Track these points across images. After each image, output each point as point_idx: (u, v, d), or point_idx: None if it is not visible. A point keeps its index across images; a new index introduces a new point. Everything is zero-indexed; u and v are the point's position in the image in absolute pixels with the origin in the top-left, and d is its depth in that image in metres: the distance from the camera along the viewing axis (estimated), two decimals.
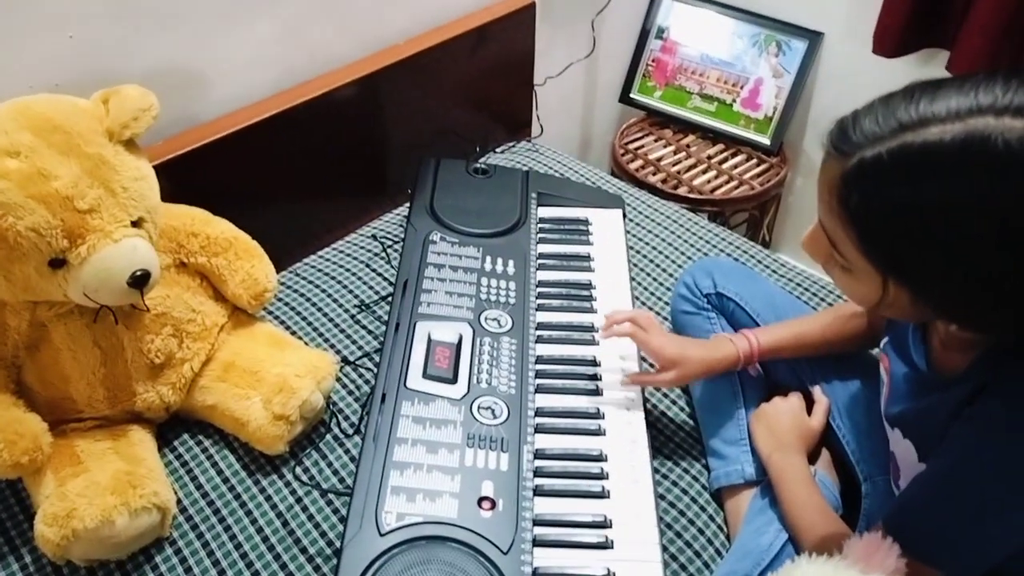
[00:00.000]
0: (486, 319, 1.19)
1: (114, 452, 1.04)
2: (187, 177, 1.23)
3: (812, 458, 1.09)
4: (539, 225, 1.40)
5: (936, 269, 0.69)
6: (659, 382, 1.13)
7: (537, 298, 1.26)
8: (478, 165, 1.47)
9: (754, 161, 1.96)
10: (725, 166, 1.95)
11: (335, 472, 1.12)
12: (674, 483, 1.13)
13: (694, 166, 1.95)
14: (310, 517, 1.07)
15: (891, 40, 1.65)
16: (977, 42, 1.48)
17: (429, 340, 1.15)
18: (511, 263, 1.30)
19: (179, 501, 1.07)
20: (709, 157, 1.97)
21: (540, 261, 1.33)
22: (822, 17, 1.86)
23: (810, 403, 1.13)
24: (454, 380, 1.10)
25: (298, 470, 1.11)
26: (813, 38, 1.88)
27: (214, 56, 1.28)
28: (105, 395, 1.06)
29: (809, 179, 2.05)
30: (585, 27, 1.85)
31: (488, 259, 1.29)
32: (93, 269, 0.95)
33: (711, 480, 1.13)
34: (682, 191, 1.87)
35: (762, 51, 1.94)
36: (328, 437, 1.16)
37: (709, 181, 1.91)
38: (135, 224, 1.00)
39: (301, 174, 1.45)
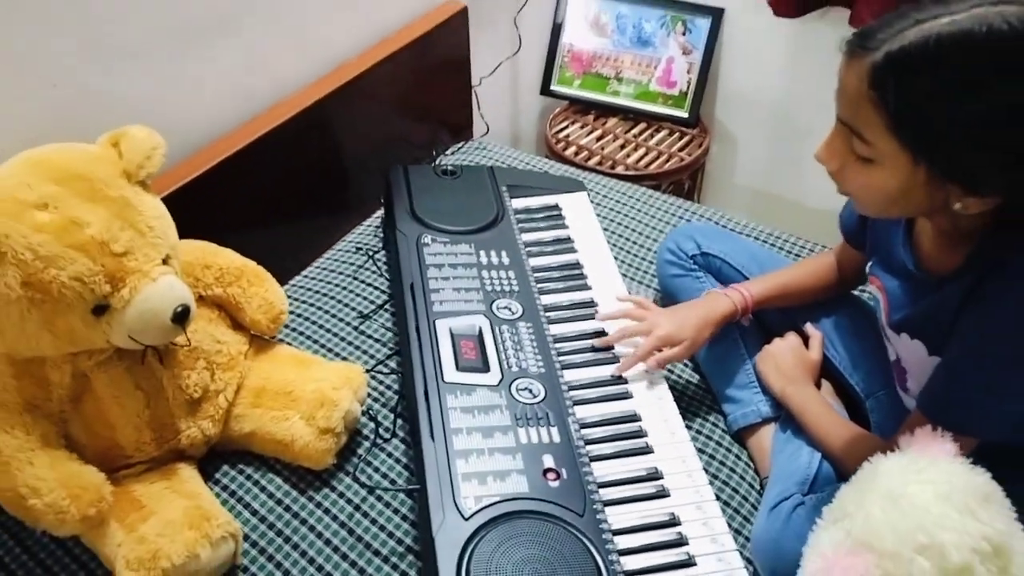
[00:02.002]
0: (498, 308, 1.25)
1: (172, 491, 1.04)
2: (174, 214, 1.23)
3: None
4: (516, 216, 1.46)
5: (960, 135, 0.80)
6: (674, 357, 1.19)
7: (537, 283, 1.32)
8: (446, 167, 1.52)
9: (676, 135, 2.09)
10: (652, 143, 2.06)
11: (384, 475, 1.15)
12: (698, 432, 1.22)
13: (623, 146, 2.06)
14: (373, 521, 1.10)
15: (789, 2, 1.79)
16: (876, 2, 1.64)
17: (452, 335, 1.19)
18: (504, 253, 1.35)
19: None
20: (635, 136, 2.08)
21: (528, 249, 1.39)
22: None
23: (804, 341, 1.24)
24: (487, 368, 1.15)
25: (349, 478, 1.14)
26: (715, 14, 2.02)
27: (183, 90, 1.28)
28: (152, 437, 1.05)
29: (724, 145, 2.19)
30: (509, 26, 1.92)
31: (482, 253, 1.35)
32: (137, 311, 0.95)
33: (729, 423, 1.23)
34: (620, 170, 1.97)
35: (669, 32, 2.07)
36: (366, 444, 1.19)
37: (641, 158, 2.02)
38: (164, 262, 1.00)
39: (273, 200, 1.46)
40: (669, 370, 1.29)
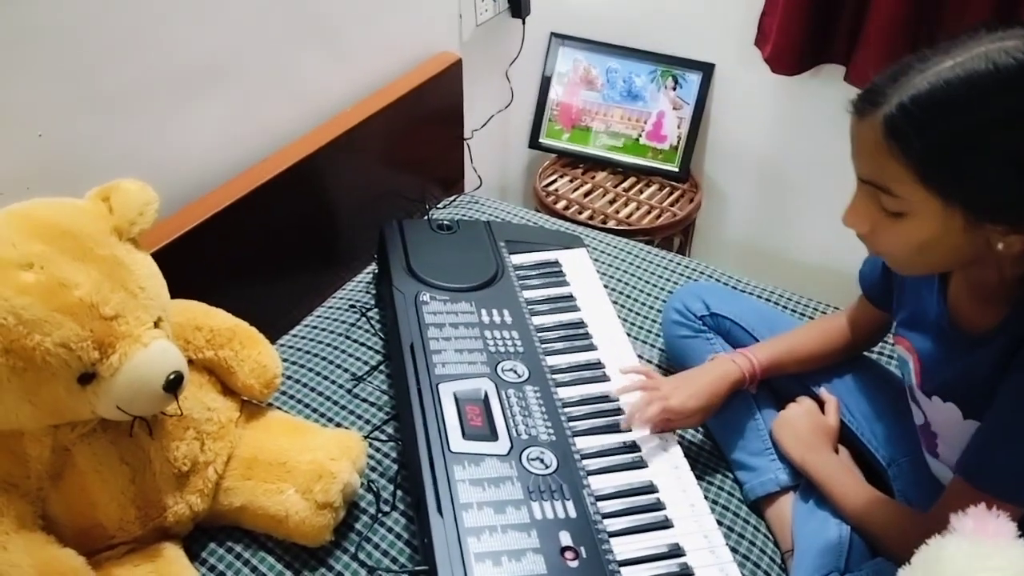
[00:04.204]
0: (503, 371, 1.19)
1: (157, 574, 0.95)
2: (162, 271, 1.16)
3: None
4: (516, 272, 1.41)
5: (987, 171, 0.78)
6: (687, 425, 1.17)
7: (541, 343, 1.27)
8: (442, 221, 1.47)
9: (667, 190, 2.06)
10: (642, 197, 2.04)
11: (385, 553, 1.07)
12: (714, 501, 1.16)
13: (612, 201, 2.03)
14: None
15: (787, 60, 1.79)
16: (872, 57, 1.64)
17: (457, 400, 1.13)
18: (506, 312, 1.30)
19: None
20: (625, 190, 2.06)
21: (530, 307, 1.34)
22: (712, 49, 1.99)
23: (820, 405, 1.20)
24: (495, 437, 1.09)
25: (348, 556, 1.06)
26: (706, 69, 2.01)
27: (174, 141, 1.22)
28: (136, 515, 0.97)
29: (713, 200, 2.17)
30: (502, 78, 1.90)
31: (483, 312, 1.29)
32: (127, 379, 0.88)
33: (746, 492, 1.17)
34: (612, 224, 1.94)
35: (660, 86, 2.06)
36: (365, 518, 1.11)
37: (632, 212, 1.99)
38: (155, 325, 0.93)
39: (263, 255, 1.39)
40: (678, 433, 1.24)
